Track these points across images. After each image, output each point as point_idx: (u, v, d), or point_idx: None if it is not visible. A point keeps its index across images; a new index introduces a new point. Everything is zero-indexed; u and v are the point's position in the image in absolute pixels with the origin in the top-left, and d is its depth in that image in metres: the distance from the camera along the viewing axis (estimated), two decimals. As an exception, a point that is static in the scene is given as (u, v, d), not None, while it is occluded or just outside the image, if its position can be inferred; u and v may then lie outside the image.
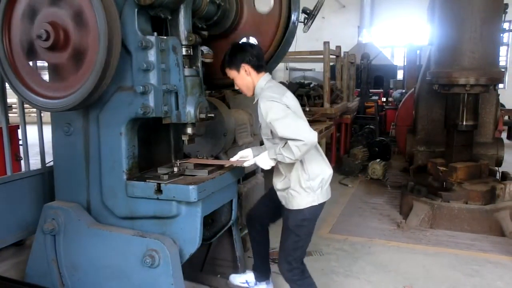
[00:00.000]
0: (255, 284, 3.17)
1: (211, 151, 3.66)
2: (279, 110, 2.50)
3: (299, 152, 2.44)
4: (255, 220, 3.08)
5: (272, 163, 2.64)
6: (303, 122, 2.52)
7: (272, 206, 2.88)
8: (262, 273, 3.17)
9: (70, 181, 2.93)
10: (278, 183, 2.74)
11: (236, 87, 2.81)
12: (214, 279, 3.33)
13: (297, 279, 2.72)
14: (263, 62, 2.76)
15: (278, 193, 2.75)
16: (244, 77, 2.71)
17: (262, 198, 3.18)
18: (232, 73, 2.74)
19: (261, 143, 4.45)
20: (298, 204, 2.62)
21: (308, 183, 2.61)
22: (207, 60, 3.36)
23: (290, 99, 2.64)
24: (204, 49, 3.38)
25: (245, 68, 2.68)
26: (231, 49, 2.74)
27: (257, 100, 2.68)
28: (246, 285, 3.17)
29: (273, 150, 2.57)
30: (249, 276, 3.18)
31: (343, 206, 5.66)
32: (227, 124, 3.69)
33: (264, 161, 2.64)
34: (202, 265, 3.41)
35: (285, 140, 2.49)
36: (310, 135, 2.42)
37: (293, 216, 2.66)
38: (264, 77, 2.73)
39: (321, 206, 2.69)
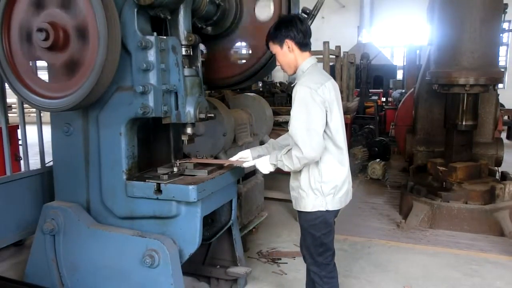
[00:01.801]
0: None
1: (210, 151, 3.66)
2: (305, 103, 2.36)
3: (299, 164, 2.40)
4: None
5: (271, 169, 2.59)
6: (315, 133, 2.37)
7: None
8: None
9: (69, 181, 2.93)
10: (292, 180, 2.63)
11: (277, 64, 2.66)
12: (214, 270, 3.34)
13: (324, 275, 2.61)
14: (309, 40, 2.57)
15: (291, 192, 2.64)
16: (287, 54, 2.53)
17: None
18: (274, 48, 2.56)
19: (261, 143, 4.47)
20: (305, 206, 2.52)
21: (319, 184, 2.47)
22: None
23: (329, 90, 2.45)
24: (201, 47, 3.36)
25: (289, 44, 2.50)
26: (277, 22, 2.57)
27: (293, 85, 2.54)
28: None
29: (275, 156, 2.53)
30: None
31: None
32: (227, 124, 3.69)
33: (264, 165, 2.60)
34: (202, 265, 3.41)
35: (289, 146, 2.46)
36: (311, 152, 2.34)
37: (303, 217, 2.58)
38: (309, 60, 2.55)
39: (330, 213, 2.53)
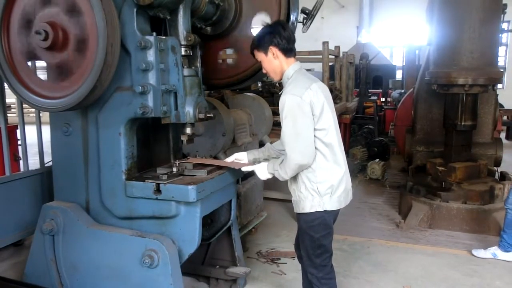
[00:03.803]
0: None
1: (210, 151, 3.66)
2: (292, 111, 2.39)
3: (291, 171, 2.44)
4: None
5: (269, 176, 2.61)
6: (305, 139, 2.40)
7: None
8: None
9: (69, 181, 2.93)
10: (290, 183, 2.64)
11: (264, 71, 2.67)
12: (213, 270, 3.35)
13: (322, 276, 2.60)
14: (293, 46, 2.59)
15: (292, 196, 2.64)
16: (272, 60, 2.55)
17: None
18: (259, 56, 2.59)
19: (260, 144, 4.47)
20: (303, 207, 2.52)
21: (315, 185, 2.48)
22: (232, 59, 3.38)
23: (316, 92, 2.46)
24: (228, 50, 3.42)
25: (273, 51, 2.52)
26: (260, 30, 2.59)
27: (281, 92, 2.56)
28: None
29: (272, 165, 2.56)
30: None
31: (342, 206, 5.65)
32: (226, 124, 3.69)
33: (262, 172, 2.62)
34: (202, 265, 3.41)
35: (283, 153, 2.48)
36: (301, 159, 2.37)
37: (302, 218, 2.57)
38: (293, 65, 2.57)
39: (329, 214, 2.53)
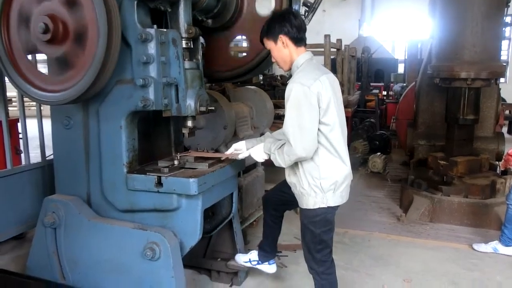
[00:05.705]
0: (258, 263, 3.10)
1: (211, 144, 3.66)
2: (298, 101, 2.34)
3: (290, 161, 2.41)
4: (270, 203, 2.95)
5: (266, 157, 2.59)
6: (308, 131, 2.35)
7: (290, 193, 2.66)
8: (267, 255, 3.08)
9: (70, 174, 2.93)
10: (289, 176, 2.62)
11: (273, 60, 2.63)
12: (214, 263, 3.36)
13: (322, 271, 2.61)
14: (304, 35, 2.52)
15: (292, 189, 2.62)
16: (281, 49, 2.50)
17: (282, 183, 2.83)
18: (269, 44, 2.55)
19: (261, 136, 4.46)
20: (307, 203, 2.50)
21: (318, 181, 2.45)
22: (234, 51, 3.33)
23: (324, 84, 2.40)
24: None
25: (283, 39, 2.47)
26: (270, 18, 2.55)
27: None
28: (249, 264, 3.13)
29: (269, 146, 2.53)
30: (253, 255, 3.13)
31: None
32: (228, 117, 3.68)
33: (258, 154, 2.60)
34: (203, 258, 3.42)
35: (284, 140, 2.47)
36: (302, 151, 2.34)
37: (304, 213, 2.57)
38: (304, 55, 2.51)
39: (332, 209, 2.52)
